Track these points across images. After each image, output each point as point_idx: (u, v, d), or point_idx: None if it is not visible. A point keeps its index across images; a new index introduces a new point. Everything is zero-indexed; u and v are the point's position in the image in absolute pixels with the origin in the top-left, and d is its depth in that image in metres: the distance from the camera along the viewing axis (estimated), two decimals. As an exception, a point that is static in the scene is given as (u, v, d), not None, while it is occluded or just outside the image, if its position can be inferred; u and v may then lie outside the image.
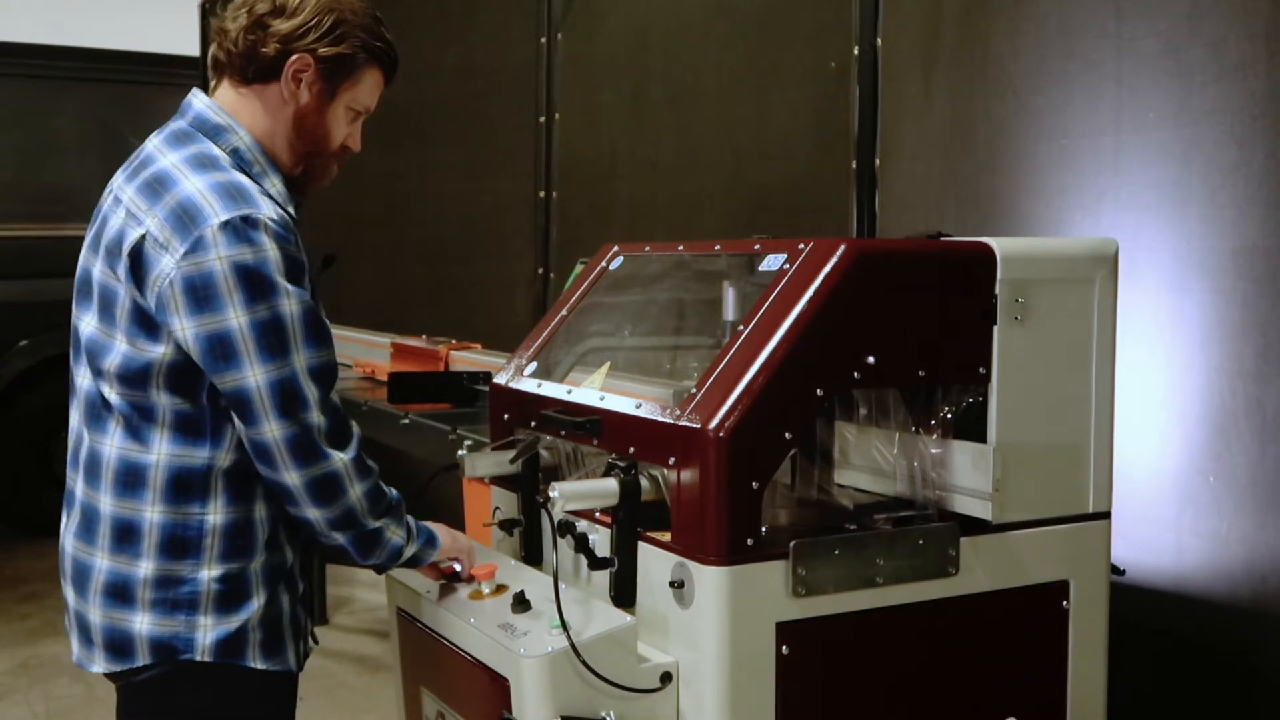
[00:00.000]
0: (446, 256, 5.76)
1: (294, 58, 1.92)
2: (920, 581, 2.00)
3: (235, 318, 1.79)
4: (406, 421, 3.60)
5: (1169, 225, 2.84)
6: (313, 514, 1.89)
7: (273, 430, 1.82)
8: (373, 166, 5.82)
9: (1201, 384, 2.76)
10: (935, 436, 2.11)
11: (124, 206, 1.88)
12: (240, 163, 1.92)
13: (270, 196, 1.91)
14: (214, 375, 1.83)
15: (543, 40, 5.39)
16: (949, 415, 2.11)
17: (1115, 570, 2.25)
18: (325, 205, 5.76)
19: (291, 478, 1.85)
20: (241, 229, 1.79)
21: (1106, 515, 2.19)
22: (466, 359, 4.13)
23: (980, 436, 2.07)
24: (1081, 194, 3.07)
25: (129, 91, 7.03)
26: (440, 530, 2.11)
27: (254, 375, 1.81)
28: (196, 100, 1.97)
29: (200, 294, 1.79)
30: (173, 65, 7.04)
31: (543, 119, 5.41)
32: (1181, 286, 2.80)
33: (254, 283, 1.80)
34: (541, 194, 5.45)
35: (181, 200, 1.82)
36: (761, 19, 4.31)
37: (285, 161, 1.99)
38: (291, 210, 1.97)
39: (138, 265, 1.83)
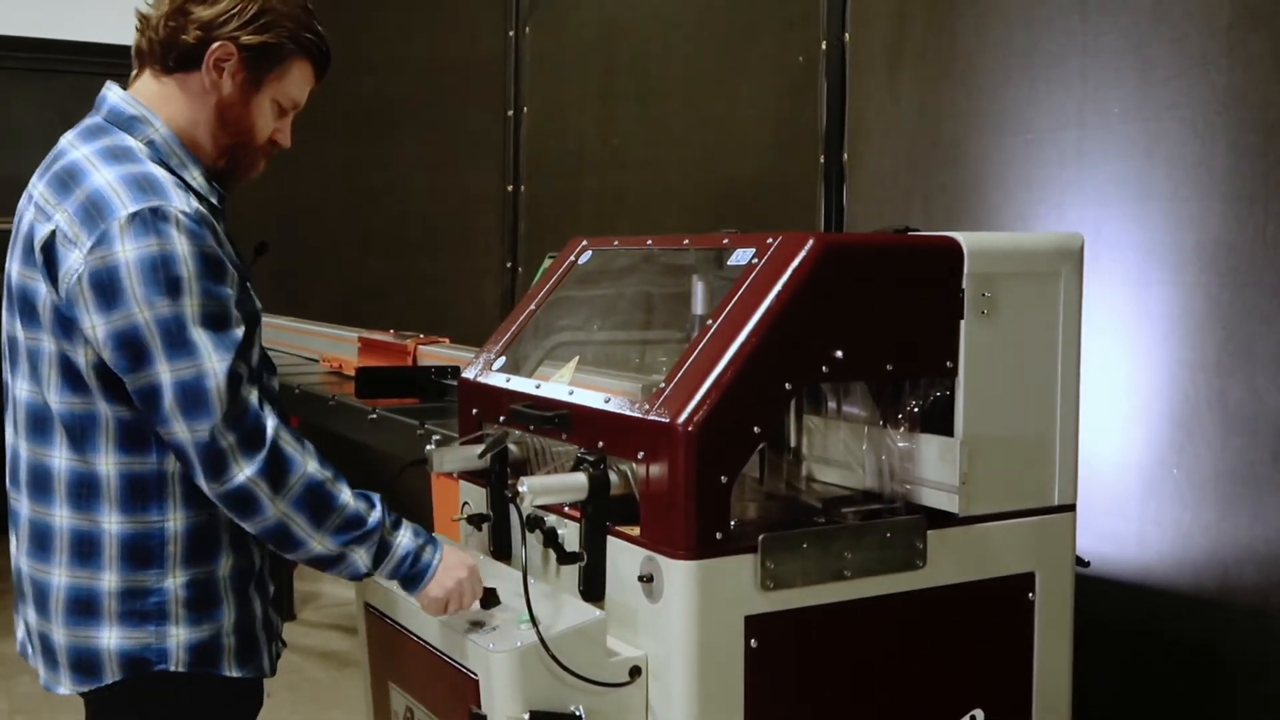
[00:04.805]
0: (414, 250, 5.74)
1: (215, 45, 1.84)
2: (888, 574, 2.01)
3: (141, 313, 1.71)
4: (374, 416, 3.59)
5: (1132, 219, 2.86)
6: (246, 527, 1.80)
7: (183, 433, 1.73)
8: (339, 159, 5.80)
9: (1165, 377, 2.78)
10: (903, 430, 2.12)
11: (34, 203, 1.81)
12: (157, 155, 1.84)
13: (191, 189, 1.84)
14: (124, 374, 1.74)
15: (510, 33, 5.38)
16: (916, 409, 2.12)
17: (1080, 562, 2.27)
18: (290, 199, 5.74)
19: (209, 487, 1.76)
20: (150, 221, 1.72)
21: (1072, 508, 2.21)
22: (434, 353, 4.12)
23: (947, 430, 2.08)
24: (1046, 188, 3.09)
25: (86, 82, 6.95)
26: (446, 556, 1.95)
27: (164, 373, 1.72)
28: (110, 93, 1.90)
29: (107, 289, 1.71)
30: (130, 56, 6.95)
31: (511, 112, 5.40)
32: (1145, 280, 2.83)
33: (160, 278, 1.71)
34: (510, 188, 5.43)
35: (90, 193, 1.75)
36: (729, 13, 4.31)
37: (208, 153, 1.90)
38: (215, 201, 1.89)
39: (50, 262, 1.76)
